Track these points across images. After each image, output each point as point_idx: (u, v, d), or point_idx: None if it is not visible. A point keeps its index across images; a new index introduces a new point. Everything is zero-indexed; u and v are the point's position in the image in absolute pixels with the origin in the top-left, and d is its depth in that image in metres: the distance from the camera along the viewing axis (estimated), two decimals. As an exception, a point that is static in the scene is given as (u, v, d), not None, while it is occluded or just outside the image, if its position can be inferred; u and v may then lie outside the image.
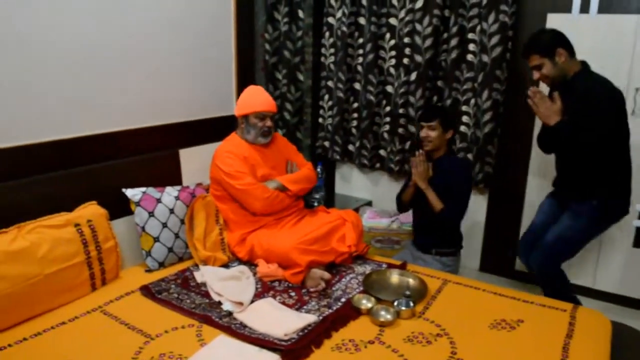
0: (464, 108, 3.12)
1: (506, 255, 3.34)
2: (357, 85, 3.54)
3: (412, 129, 3.27)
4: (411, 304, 2.16)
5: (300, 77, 3.70)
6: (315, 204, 3.36)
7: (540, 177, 3.14)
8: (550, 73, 2.42)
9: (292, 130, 3.78)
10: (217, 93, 3.25)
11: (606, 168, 2.46)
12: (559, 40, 2.42)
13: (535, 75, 2.45)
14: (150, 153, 2.78)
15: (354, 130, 3.62)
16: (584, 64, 2.45)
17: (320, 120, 3.73)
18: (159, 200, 2.56)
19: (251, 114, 2.69)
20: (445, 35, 3.13)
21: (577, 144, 2.39)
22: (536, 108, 2.42)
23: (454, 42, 3.07)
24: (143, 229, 2.50)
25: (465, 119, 3.13)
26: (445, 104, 3.17)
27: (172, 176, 2.85)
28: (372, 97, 3.44)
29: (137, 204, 2.51)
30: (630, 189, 2.52)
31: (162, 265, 2.54)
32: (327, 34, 3.54)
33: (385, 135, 3.46)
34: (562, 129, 2.39)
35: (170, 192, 2.65)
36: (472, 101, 3.08)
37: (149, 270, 2.51)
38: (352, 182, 3.88)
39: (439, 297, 2.31)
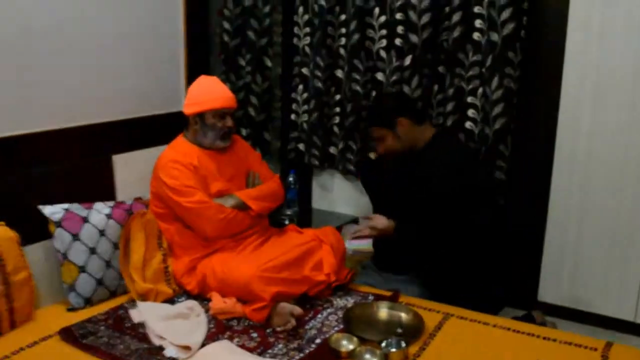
0: (469, 99, 3.14)
1: (526, 282, 3.35)
2: (340, 73, 3.55)
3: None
4: (403, 344, 2.19)
5: (268, 63, 3.70)
6: (287, 221, 3.36)
7: (566, 183, 3.17)
8: (393, 146, 2.74)
9: (258, 130, 3.79)
10: (161, 84, 3.26)
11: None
12: (400, 109, 2.76)
13: (380, 148, 2.78)
14: (74, 160, 2.78)
15: (336, 129, 3.63)
16: (438, 131, 2.73)
17: (294, 117, 3.74)
18: (85, 220, 2.57)
19: (208, 111, 2.70)
20: (447, 9, 3.16)
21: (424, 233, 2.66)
22: (374, 235, 2.80)
23: (456, 17, 3.10)
24: (65, 256, 2.51)
25: (471, 112, 3.15)
26: (448, 94, 3.20)
27: (103, 189, 2.86)
28: (358, 88, 3.46)
29: (58, 224, 2.51)
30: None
31: (88, 302, 2.55)
32: (300, 9, 3.56)
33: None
34: (403, 230, 2.71)
35: (101, 209, 2.66)
36: (480, 90, 3.11)
37: (72, 309, 2.51)
38: (333, 193, 3.88)
39: (439, 335, 2.34)
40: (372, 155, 2.93)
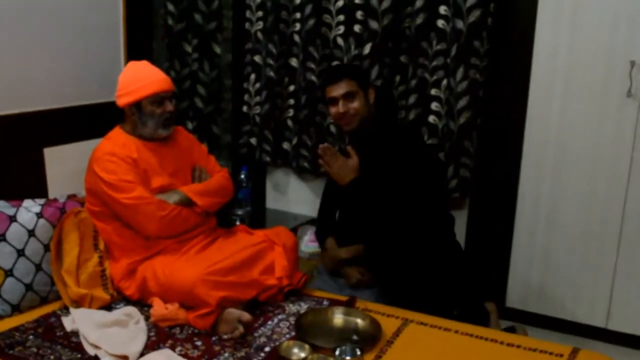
0: (433, 92, 3.22)
1: (493, 287, 3.44)
2: (294, 62, 3.60)
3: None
4: (358, 352, 2.21)
5: (217, 50, 3.73)
6: (237, 222, 3.39)
7: (535, 181, 3.27)
8: (361, 109, 2.76)
9: (206, 123, 3.81)
10: (97, 70, 3.26)
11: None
12: (370, 79, 3.06)
13: (342, 107, 2.75)
14: (1, 153, 2.77)
15: (290, 123, 3.68)
16: (379, 110, 2.87)
17: (245, 108, 3.77)
18: (12, 219, 2.56)
19: (145, 98, 2.71)
20: (409, -6, 3.24)
21: (382, 203, 2.69)
22: (329, 168, 2.75)
23: (419, 3, 3.17)
24: (-11, 258, 2.49)
25: (435, 106, 3.24)
26: (410, 86, 3.27)
27: (33, 185, 2.86)
28: (313, 77, 3.51)
29: (-19, 223, 2.50)
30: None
31: (16, 309, 2.53)
32: (252, -10, 3.60)
33: (332, 128, 3.54)
34: (358, 185, 2.70)
35: (30, 207, 2.64)
36: (444, 82, 3.19)
37: (-3, 316, 2.50)
38: (288, 192, 3.93)
39: (397, 342, 2.38)
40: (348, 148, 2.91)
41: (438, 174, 2.90)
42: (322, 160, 2.73)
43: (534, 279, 3.37)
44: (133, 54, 3.36)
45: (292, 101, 3.65)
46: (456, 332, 2.47)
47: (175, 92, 2.82)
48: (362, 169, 2.75)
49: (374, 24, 3.26)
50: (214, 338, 2.38)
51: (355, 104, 2.74)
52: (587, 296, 3.27)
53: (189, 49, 3.75)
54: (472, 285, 2.88)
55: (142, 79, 2.72)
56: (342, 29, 3.41)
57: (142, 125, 2.74)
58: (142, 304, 2.61)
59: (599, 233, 3.18)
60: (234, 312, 2.41)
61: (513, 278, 3.43)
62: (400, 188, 2.67)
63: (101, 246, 2.71)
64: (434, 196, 2.77)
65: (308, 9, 3.43)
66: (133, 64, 2.82)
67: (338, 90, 2.75)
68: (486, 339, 2.42)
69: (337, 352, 2.22)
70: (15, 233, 2.54)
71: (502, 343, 2.39)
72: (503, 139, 3.31)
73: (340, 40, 3.42)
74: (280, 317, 2.56)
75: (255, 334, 2.41)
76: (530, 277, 3.38)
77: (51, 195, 2.89)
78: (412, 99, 3.28)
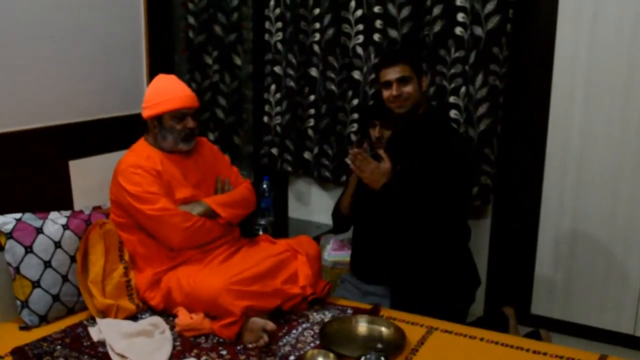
0: (452, 99, 3.22)
1: (519, 295, 3.42)
2: (314, 71, 3.61)
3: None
4: (383, 360, 2.22)
5: (238, 61, 3.75)
6: (260, 232, 3.40)
7: (558, 188, 3.25)
8: (413, 94, 2.74)
9: (227, 134, 3.83)
10: (121, 84, 3.29)
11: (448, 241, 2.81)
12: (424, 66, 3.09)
13: (396, 90, 2.72)
14: (27, 166, 2.80)
15: (310, 132, 3.69)
16: (430, 103, 2.83)
17: (266, 119, 3.78)
18: (39, 231, 2.58)
19: (165, 113, 2.73)
20: (428, 2, 3.22)
21: (415, 206, 2.69)
22: (360, 173, 2.72)
23: (437, 10, 3.17)
24: (17, 270, 2.51)
25: (454, 113, 3.22)
26: (429, 94, 3.26)
27: (59, 197, 2.87)
28: (333, 87, 3.52)
29: (9, 235, 2.51)
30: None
31: (44, 319, 2.55)
32: (272, 2, 3.60)
33: (353, 137, 3.54)
34: (391, 189, 2.69)
35: (56, 219, 2.67)
36: (463, 89, 3.18)
37: (25, 327, 2.51)
38: (310, 201, 3.93)
39: (422, 350, 2.37)
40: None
41: (469, 184, 2.92)
42: (353, 165, 2.72)
43: (559, 285, 3.35)
44: (155, 67, 3.39)
45: (312, 111, 3.66)
46: (481, 339, 2.45)
47: (198, 109, 2.81)
48: (401, 158, 2.76)
49: (393, 33, 3.27)
50: (238, 347, 2.39)
51: (408, 88, 2.73)
52: (613, 302, 3.24)
53: (209, 61, 3.78)
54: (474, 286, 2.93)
55: (166, 93, 2.74)
56: (361, 38, 3.42)
57: (162, 138, 2.76)
58: (168, 314, 2.63)
59: (624, 238, 3.15)
60: (258, 321, 2.41)
61: (538, 285, 3.41)
62: (434, 184, 2.66)
63: (126, 257, 2.73)
64: (460, 202, 2.80)
65: (327, 19, 3.44)
66: (161, 77, 2.84)
67: (393, 74, 2.73)
68: (511, 347, 2.40)
69: (361, 360, 2.22)
70: (42, 245, 2.56)
71: (527, 350, 2.37)
72: (525, 146, 3.30)
73: (359, 50, 3.43)
74: (304, 325, 2.56)
75: (280, 343, 2.42)
76: (555, 283, 3.36)
77: (76, 207, 2.91)
78: (431, 107, 3.28)
